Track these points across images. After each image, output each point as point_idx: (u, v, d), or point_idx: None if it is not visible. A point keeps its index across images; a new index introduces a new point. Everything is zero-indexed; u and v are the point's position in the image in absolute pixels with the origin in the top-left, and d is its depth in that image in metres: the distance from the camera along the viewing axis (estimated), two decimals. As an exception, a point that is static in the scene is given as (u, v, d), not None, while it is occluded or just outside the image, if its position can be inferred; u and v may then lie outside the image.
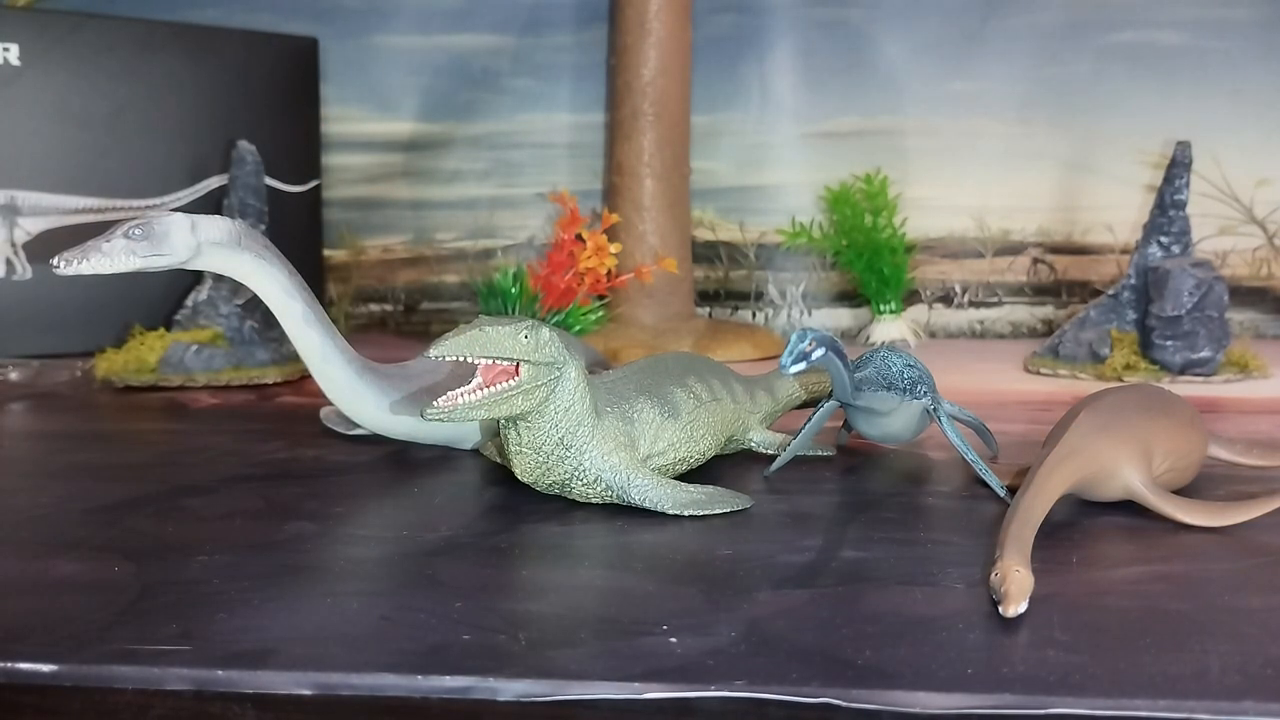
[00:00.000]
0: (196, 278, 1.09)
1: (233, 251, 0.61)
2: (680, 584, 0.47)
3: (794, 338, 0.54)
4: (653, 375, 0.64)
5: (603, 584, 0.47)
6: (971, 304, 1.40)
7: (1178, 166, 1.06)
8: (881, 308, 1.29)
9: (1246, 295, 1.34)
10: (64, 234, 1.13)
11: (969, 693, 0.36)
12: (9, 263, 1.13)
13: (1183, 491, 0.58)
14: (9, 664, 0.39)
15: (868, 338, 1.29)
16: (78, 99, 1.14)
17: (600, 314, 1.01)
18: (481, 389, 0.53)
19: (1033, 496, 0.50)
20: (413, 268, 1.47)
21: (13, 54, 1.11)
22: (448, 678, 0.37)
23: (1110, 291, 1.10)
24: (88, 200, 1.15)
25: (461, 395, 0.53)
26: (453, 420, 0.53)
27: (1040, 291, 1.39)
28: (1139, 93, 1.34)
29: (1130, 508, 0.56)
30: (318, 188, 1.32)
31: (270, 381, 0.99)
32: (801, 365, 0.54)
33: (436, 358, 0.52)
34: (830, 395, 0.63)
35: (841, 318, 1.41)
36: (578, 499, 0.58)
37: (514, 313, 0.94)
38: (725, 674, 0.37)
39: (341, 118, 1.43)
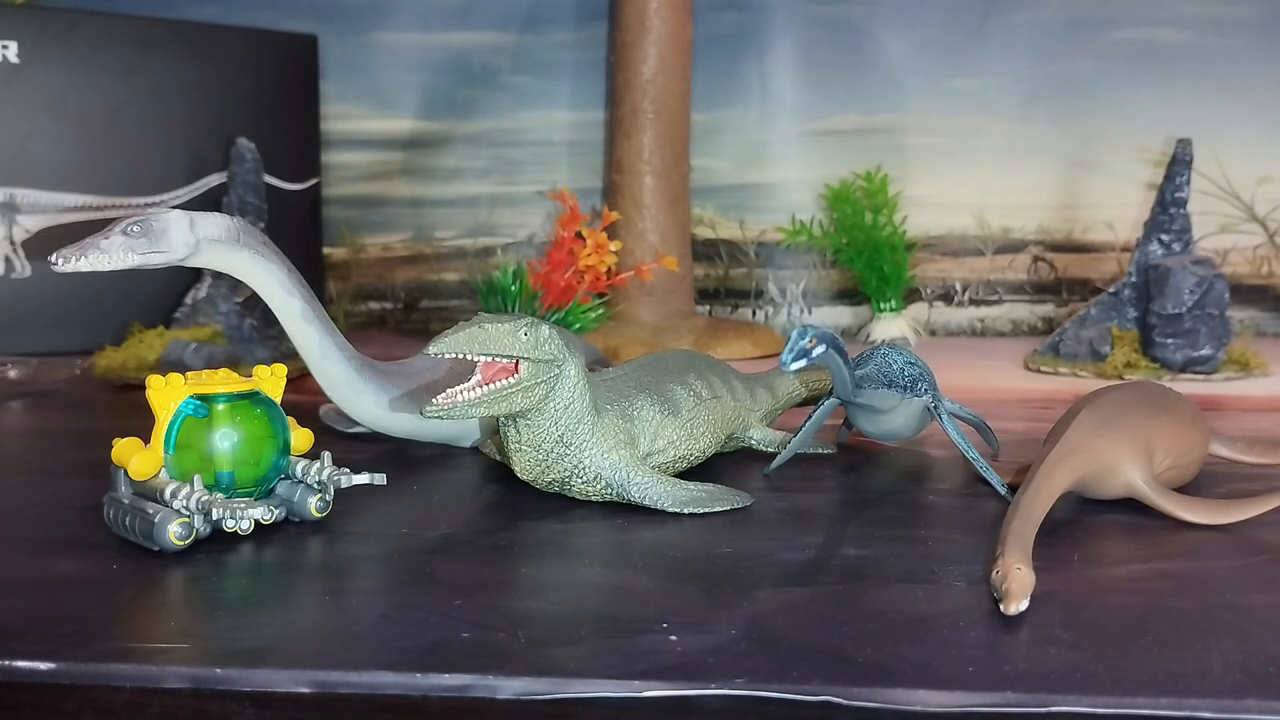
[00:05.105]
0: (196, 275, 1.09)
1: (231, 249, 0.61)
2: (680, 582, 0.46)
3: (794, 334, 0.54)
4: (653, 373, 0.64)
5: (602, 582, 0.47)
6: (972, 302, 1.40)
7: (1178, 164, 1.06)
8: (882, 305, 1.29)
9: (1247, 293, 1.34)
10: (63, 231, 1.13)
11: (970, 691, 0.36)
12: (8, 260, 1.12)
13: (1184, 489, 0.58)
14: (6, 662, 0.39)
15: (868, 335, 1.29)
16: (77, 96, 1.14)
17: (600, 312, 1.01)
18: (481, 386, 0.53)
19: (1034, 494, 0.50)
20: (412, 265, 1.47)
21: (11, 51, 1.11)
22: (447, 676, 0.37)
23: (1111, 289, 1.10)
24: (86, 198, 1.15)
25: (461, 392, 0.52)
26: (452, 418, 0.52)
27: (1041, 289, 1.39)
28: (1140, 90, 1.34)
29: (1131, 505, 0.56)
30: (317, 185, 1.32)
31: (269, 379, 0.99)
32: (802, 362, 0.54)
33: (436, 355, 0.52)
34: (831, 393, 0.63)
35: (842, 315, 1.41)
36: (577, 496, 0.58)
37: (514, 310, 0.94)
38: (725, 672, 0.37)
39: (341, 115, 1.42)
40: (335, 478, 0.54)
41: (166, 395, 0.52)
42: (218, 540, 0.52)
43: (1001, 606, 0.42)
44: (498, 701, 0.37)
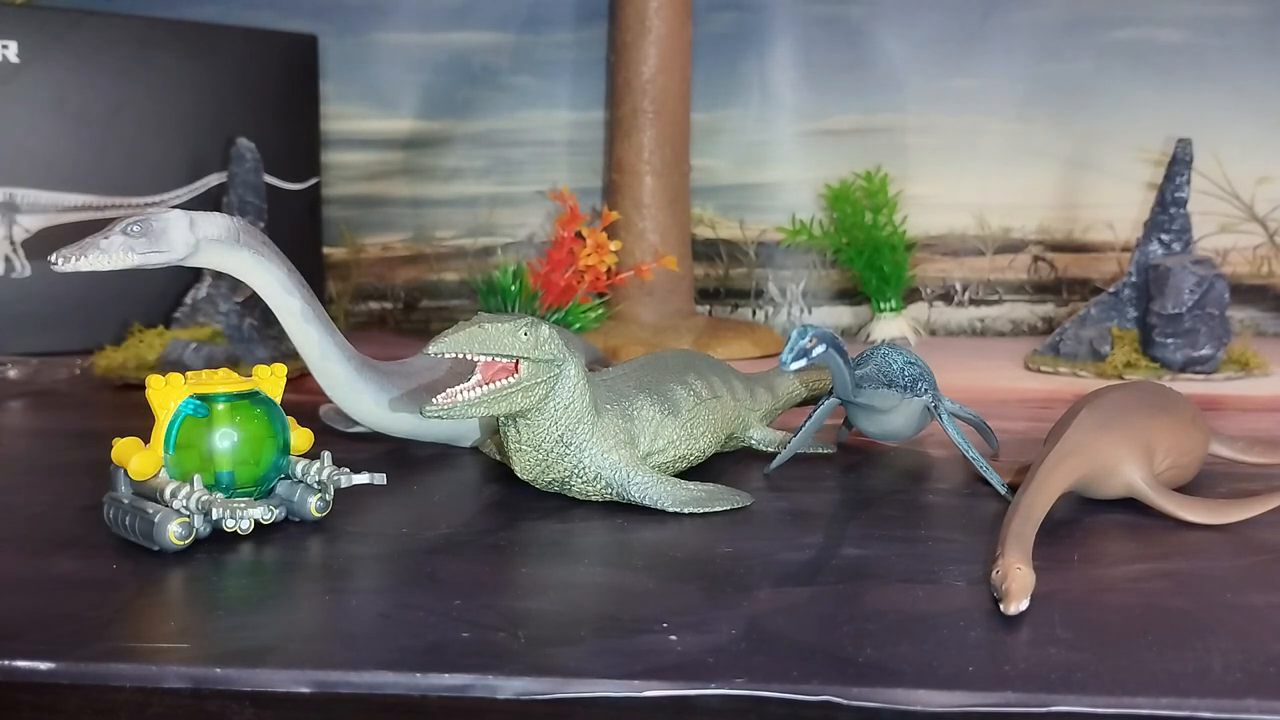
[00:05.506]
0: (196, 275, 1.09)
1: (231, 248, 0.61)
2: (680, 581, 0.46)
3: (795, 334, 0.54)
4: (653, 373, 0.64)
5: (602, 581, 0.47)
6: (972, 302, 1.40)
7: (1178, 164, 1.06)
8: (882, 305, 1.29)
9: (1247, 293, 1.34)
10: (63, 231, 1.13)
11: (970, 691, 0.36)
12: (8, 260, 1.12)
13: (1184, 489, 0.58)
14: (7, 662, 0.39)
15: (868, 335, 1.29)
16: (77, 96, 1.14)
17: (600, 311, 1.01)
18: (481, 386, 0.53)
19: (1034, 494, 0.50)
20: (412, 265, 1.47)
21: (11, 51, 1.11)
22: (447, 675, 0.37)
23: (1111, 289, 1.10)
24: (86, 197, 1.15)
25: (461, 392, 0.52)
26: (452, 417, 0.52)
27: (1041, 289, 1.39)
28: (1140, 90, 1.34)
29: (1131, 505, 0.56)
30: (317, 185, 1.32)
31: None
32: (802, 362, 0.54)
33: (436, 354, 0.52)
34: (831, 392, 0.63)
35: (842, 315, 1.41)
36: (577, 496, 0.58)
37: (514, 310, 0.94)
38: (725, 672, 0.37)
39: (341, 115, 1.42)
40: (335, 478, 0.54)
41: (166, 395, 0.52)
42: (218, 540, 0.52)
43: (1001, 606, 0.42)
44: (498, 701, 0.37)
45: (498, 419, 0.57)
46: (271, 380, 0.55)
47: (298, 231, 1.26)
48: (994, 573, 0.44)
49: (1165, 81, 1.33)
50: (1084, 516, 0.56)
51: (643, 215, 1.22)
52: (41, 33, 1.12)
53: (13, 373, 1.04)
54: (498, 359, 0.53)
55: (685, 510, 0.56)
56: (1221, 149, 1.31)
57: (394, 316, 1.47)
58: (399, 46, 1.43)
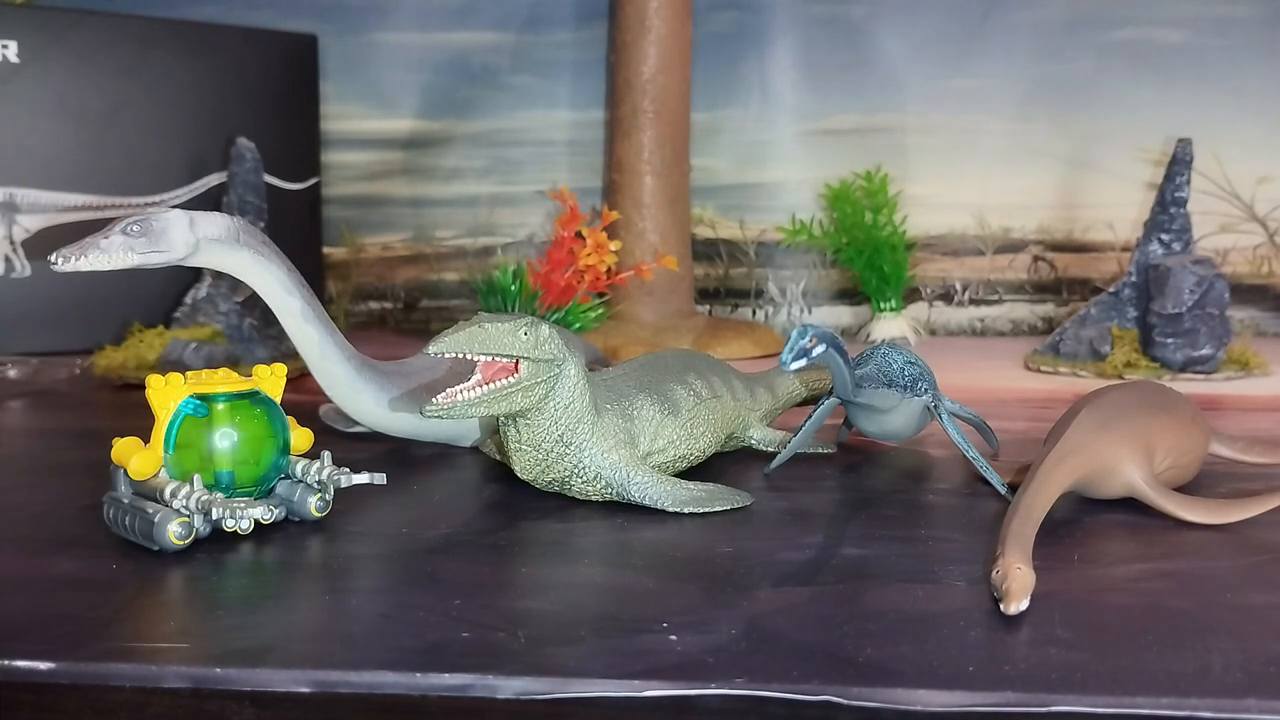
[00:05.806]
0: (196, 275, 1.09)
1: (231, 248, 0.61)
2: (680, 581, 0.46)
3: (795, 334, 0.54)
4: (652, 372, 0.64)
5: (602, 581, 0.47)
6: (972, 301, 1.40)
7: (1178, 164, 1.06)
8: (882, 305, 1.29)
9: (1247, 293, 1.34)
10: (63, 231, 1.13)
11: (970, 690, 0.36)
12: (8, 260, 1.12)
13: (1184, 489, 0.58)
14: (6, 662, 0.39)
15: (868, 335, 1.29)
16: (76, 96, 1.14)
17: (600, 311, 1.01)
18: (481, 386, 0.53)
19: (1034, 494, 0.50)
20: (412, 265, 1.47)
21: (11, 51, 1.11)
22: (447, 675, 0.37)
23: (1111, 289, 1.10)
24: (86, 197, 1.15)
25: (461, 392, 0.52)
26: (452, 417, 0.52)
27: (1041, 289, 1.39)
28: (1140, 90, 1.34)
29: (1132, 505, 0.56)
30: (317, 185, 1.32)
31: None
32: (802, 362, 0.54)
33: (436, 354, 0.52)
34: (831, 392, 0.63)
35: (842, 315, 1.41)
36: (577, 496, 0.58)
37: (514, 310, 0.94)
38: (725, 672, 0.37)
39: (341, 115, 1.42)
40: (335, 477, 0.54)
41: (166, 395, 0.52)
42: (218, 540, 0.52)
43: (1001, 606, 0.42)
44: (498, 701, 0.37)
45: (498, 419, 0.57)
46: (271, 380, 0.55)
47: (298, 231, 1.26)
48: (994, 573, 0.44)
49: (1165, 81, 1.33)
50: (1084, 516, 0.56)
51: (643, 215, 1.22)
52: (41, 33, 1.12)
53: (13, 373, 1.03)
54: (498, 359, 0.53)
55: (685, 510, 0.56)
56: (1221, 149, 1.31)
57: (394, 316, 1.47)
58: (399, 46, 1.43)
